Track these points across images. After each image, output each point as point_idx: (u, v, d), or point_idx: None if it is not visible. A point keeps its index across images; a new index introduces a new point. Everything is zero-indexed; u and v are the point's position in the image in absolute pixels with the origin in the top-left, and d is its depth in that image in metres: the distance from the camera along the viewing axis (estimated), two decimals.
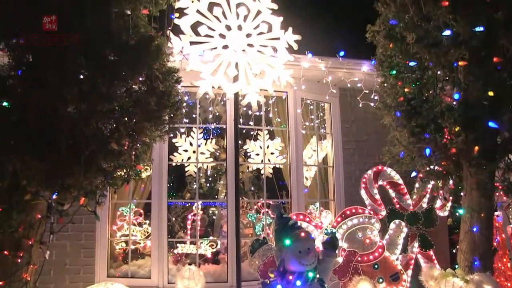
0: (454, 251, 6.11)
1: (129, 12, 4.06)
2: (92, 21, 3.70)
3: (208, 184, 9.33)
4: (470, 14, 4.40)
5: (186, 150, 7.84)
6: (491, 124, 4.57)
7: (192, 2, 4.80)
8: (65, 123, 3.61)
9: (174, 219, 8.53)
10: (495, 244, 5.67)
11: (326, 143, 7.57)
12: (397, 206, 6.21)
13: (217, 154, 8.51)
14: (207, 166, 8.98)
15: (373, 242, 5.78)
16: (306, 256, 3.67)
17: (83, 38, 3.64)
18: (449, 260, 6.66)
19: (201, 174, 8.92)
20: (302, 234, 3.80)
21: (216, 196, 8.95)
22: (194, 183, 8.29)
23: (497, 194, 5.20)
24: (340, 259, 5.65)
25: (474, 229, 4.99)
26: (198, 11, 4.81)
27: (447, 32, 4.53)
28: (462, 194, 5.26)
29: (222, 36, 4.90)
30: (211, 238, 8.02)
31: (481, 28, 4.39)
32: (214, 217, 9.06)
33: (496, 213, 5.76)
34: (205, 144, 8.16)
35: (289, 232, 3.84)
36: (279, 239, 3.91)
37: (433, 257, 6.19)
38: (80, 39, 3.63)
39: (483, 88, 4.58)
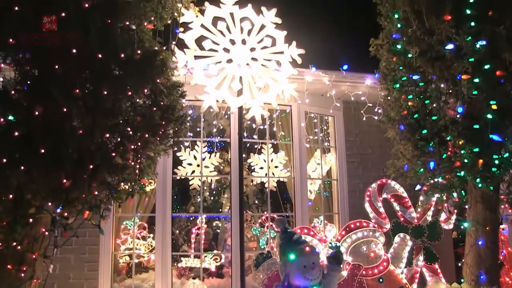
0: (459, 264, 6.07)
1: (134, 27, 4.09)
2: (97, 36, 3.73)
3: (212, 198, 9.32)
4: (472, 28, 4.43)
5: (190, 164, 7.87)
6: (494, 137, 4.56)
7: (197, 16, 4.86)
8: (70, 137, 3.62)
9: (178, 232, 8.51)
10: (501, 257, 5.62)
11: (330, 157, 7.56)
12: (402, 219, 6.18)
13: (221, 167, 8.51)
14: (211, 180, 8.99)
15: (378, 255, 5.75)
16: (311, 270, 3.67)
17: (88, 52, 3.68)
18: (455, 274, 6.60)
19: (205, 188, 8.92)
20: (307, 248, 3.80)
21: (220, 210, 8.93)
22: (198, 197, 8.31)
23: (502, 207, 5.17)
24: (344, 273, 5.62)
25: (480, 243, 4.96)
26: (202, 26, 4.86)
27: (450, 46, 4.56)
28: (466, 207, 5.25)
29: (226, 50, 4.95)
30: (215, 251, 7.98)
31: (484, 42, 4.41)
32: (218, 231, 9.02)
33: (501, 226, 5.72)
34: (209, 158, 8.18)
35: (293, 246, 3.84)
36: (283, 254, 3.92)
37: (438, 270, 6.14)
38: (85, 53, 3.66)
39: (487, 101, 4.59)
